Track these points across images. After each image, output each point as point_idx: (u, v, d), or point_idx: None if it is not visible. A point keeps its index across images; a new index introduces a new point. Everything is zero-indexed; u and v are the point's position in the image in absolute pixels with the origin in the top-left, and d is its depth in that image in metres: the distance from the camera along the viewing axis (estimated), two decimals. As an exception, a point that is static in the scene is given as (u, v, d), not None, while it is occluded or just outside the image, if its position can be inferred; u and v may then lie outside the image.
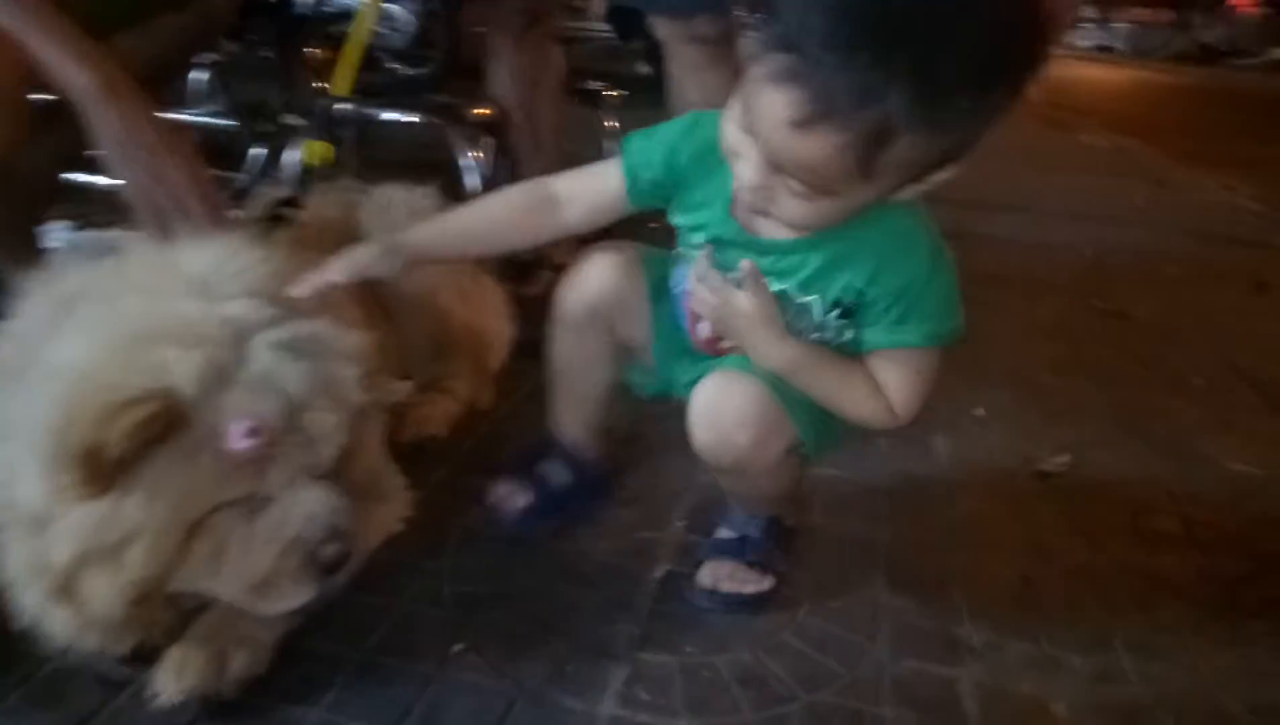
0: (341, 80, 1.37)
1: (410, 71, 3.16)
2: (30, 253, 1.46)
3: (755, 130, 0.87)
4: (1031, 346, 2.16)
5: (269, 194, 1.35)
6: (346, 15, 2.18)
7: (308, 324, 1.00)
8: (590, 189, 1.11)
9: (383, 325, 1.43)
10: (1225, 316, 2.42)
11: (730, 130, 0.92)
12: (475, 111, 2.01)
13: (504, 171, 2.23)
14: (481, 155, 1.89)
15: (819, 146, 0.82)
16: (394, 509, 1.18)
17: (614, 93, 2.59)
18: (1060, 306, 2.48)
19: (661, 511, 1.32)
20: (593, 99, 2.62)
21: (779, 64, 0.82)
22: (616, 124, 2.64)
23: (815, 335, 1.02)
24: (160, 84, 1.73)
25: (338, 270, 1.06)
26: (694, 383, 1.08)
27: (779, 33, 0.82)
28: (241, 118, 2.05)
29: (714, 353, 1.12)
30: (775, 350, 1.00)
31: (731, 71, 1.92)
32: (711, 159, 0.99)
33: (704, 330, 1.11)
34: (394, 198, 1.53)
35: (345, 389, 0.98)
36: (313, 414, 0.92)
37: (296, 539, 0.89)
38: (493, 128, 2.05)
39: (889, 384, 1.01)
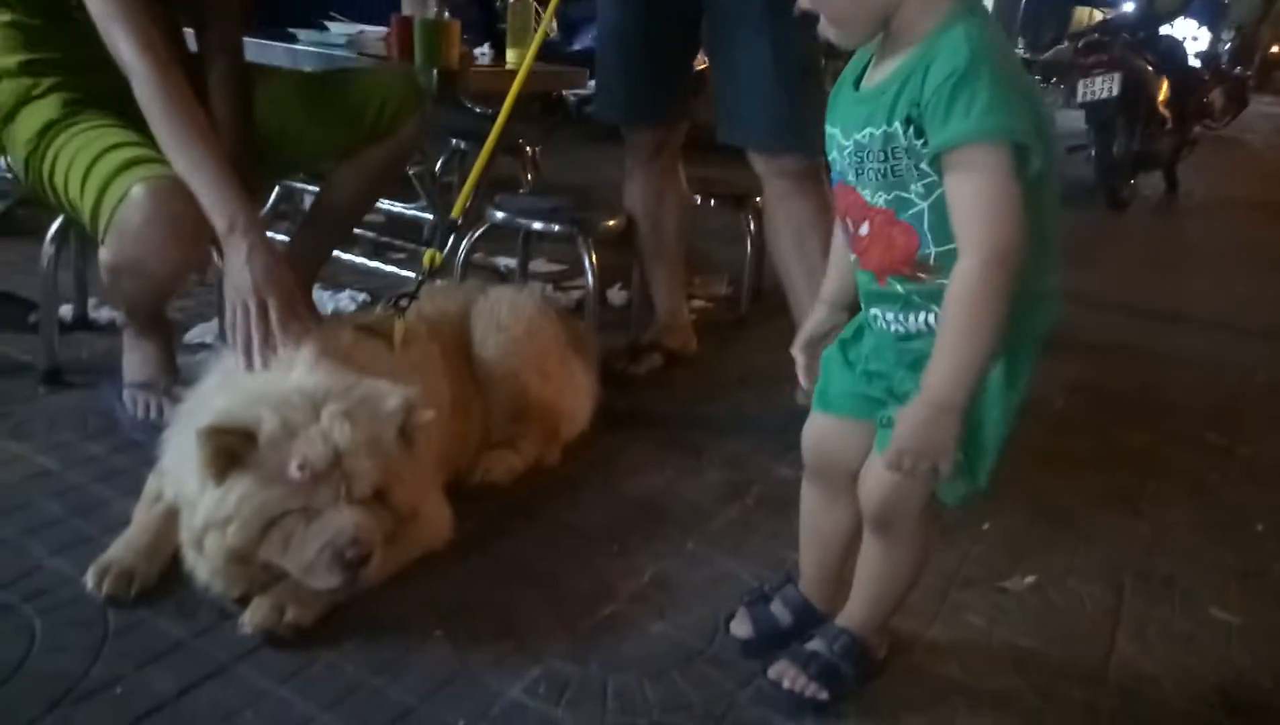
0: (458, 205, 1.86)
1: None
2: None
3: None
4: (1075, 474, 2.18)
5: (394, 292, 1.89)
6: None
7: (368, 391, 1.50)
8: None
9: (473, 392, 1.93)
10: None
11: None
12: (606, 223, 2.48)
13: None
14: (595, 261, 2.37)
15: None
16: (434, 531, 1.66)
17: (758, 199, 2.97)
18: (1165, 434, 2.44)
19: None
20: (739, 203, 3.05)
21: None
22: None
23: (903, 162, 1.06)
24: (367, 207, 2.37)
25: (800, 341, 1.36)
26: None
27: None
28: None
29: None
30: (944, 403, 1.07)
31: (818, 201, 2.26)
32: (838, 85, 1.19)
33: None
34: (502, 296, 2.04)
35: (383, 444, 1.46)
36: (353, 460, 1.41)
37: (329, 542, 1.38)
38: (622, 235, 2.52)
39: (963, 210, 1.02)
